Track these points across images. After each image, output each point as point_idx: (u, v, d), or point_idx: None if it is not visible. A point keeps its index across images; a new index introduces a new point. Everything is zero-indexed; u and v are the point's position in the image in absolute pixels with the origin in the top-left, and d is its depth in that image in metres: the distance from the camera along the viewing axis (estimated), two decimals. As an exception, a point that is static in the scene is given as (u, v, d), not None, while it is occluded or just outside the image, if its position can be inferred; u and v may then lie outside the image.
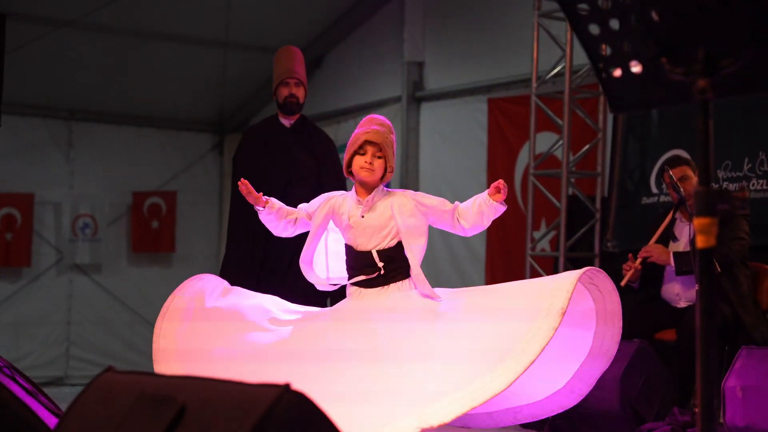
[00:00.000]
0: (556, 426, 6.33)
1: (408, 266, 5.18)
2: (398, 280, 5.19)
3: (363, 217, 5.21)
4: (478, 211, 5.13)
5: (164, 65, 11.38)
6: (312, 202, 5.45)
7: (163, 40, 11.06)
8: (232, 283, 7.16)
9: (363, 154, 5.21)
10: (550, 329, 4.50)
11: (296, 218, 5.42)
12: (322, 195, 5.48)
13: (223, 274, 7.22)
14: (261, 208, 5.39)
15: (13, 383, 3.73)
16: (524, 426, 6.62)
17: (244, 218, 7.08)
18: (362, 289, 5.20)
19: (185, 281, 5.38)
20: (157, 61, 11.30)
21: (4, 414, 3.54)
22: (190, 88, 11.93)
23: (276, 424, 2.39)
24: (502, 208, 5.13)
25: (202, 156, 12.64)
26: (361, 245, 5.21)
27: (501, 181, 5.10)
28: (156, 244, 12.22)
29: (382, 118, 5.42)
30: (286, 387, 2.43)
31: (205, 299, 5.35)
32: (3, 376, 3.79)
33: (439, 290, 5.18)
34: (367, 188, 5.26)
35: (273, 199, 5.43)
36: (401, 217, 5.15)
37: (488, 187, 5.06)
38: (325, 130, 7.60)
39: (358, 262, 5.22)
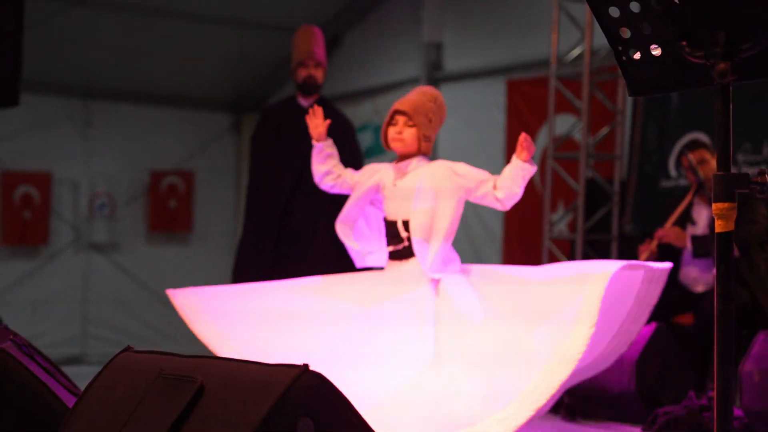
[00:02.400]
0: (572, 408, 6.33)
1: None
2: None
3: (395, 185, 5.07)
4: (509, 176, 4.84)
5: (182, 44, 11.38)
6: (361, 170, 5.31)
7: (181, 18, 11.05)
8: (249, 263, 7.17)
9: (394, 125, 5.09)
10: (585, 341, 4.38)
11: (340, 175, 5.27)
12: (372, 165, 5.33)
13: (240, 254, 7.26)
14: (317, 143, 5.28)
15: (31, 362, 3.74)
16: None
17: (262, 199, 7.09)
18: (392, 261, 5.05)
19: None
20: (175, 39, 11.29)
21: (23, 392, 3.56)
22: (207, 67, 11.92)
23: (294, 404, 2.39)
24: (532, 168, 4.82)
25: (220, 135, 12.64)
26: (391, 215, 5.05)
27: (523, 134, 4.79)
28: (173, 223, 12.24)
29: (427, 88, 5.28)
30: (305, 368, 2.44)
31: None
32: (21, 354, 3.81)
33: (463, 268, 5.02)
34: (403, 159, 5.12)
35: (331, 143, 5.31)
36: (427, 181, 4.98)
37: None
38: (343, 111, 7.59)
39: (388, 232, 5.07)
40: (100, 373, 2.85)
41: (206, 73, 12.06)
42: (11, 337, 3.97)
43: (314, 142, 5.31)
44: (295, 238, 6.98)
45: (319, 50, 7.12)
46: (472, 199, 5.06)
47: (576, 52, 8.78)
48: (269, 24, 11.24)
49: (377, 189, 5.17)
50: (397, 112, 5.10)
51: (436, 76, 10.67)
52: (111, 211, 11.84)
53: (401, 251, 5.02)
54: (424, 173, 5.03)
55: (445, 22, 10.66)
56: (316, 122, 5.29)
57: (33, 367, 3.70)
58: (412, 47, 10.85)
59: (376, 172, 5.21)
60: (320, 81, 7.12)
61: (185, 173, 12.22)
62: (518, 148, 4.78)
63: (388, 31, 11.19)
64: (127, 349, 2.89)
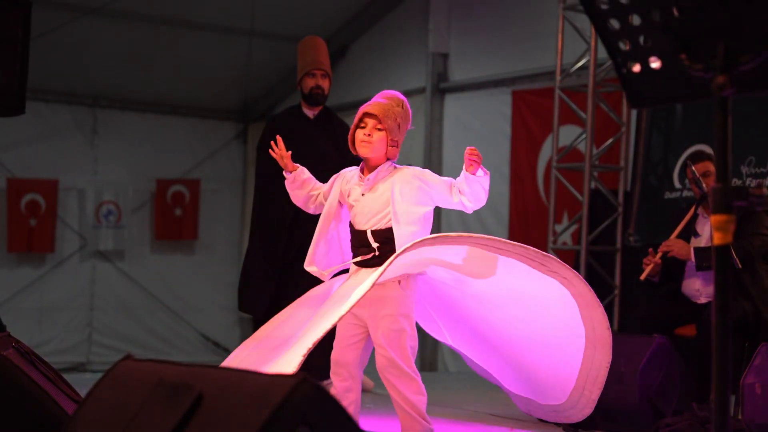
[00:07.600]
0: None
1: None
2: None
3: (363, 195, 5.04)
4: (469, 190, 4.95)
5: (189, 53, 11.41)
6: (328, 182, 5.26)
7: (189, 28, 11.08)
8: (255, 274, 7.18)
9: (363, 128, 5.03)
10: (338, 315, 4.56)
11: (317, 195, 5.24)
12: (336, 174, 5.26)
13: (247, 265, 7.26)
14: (288, 173, 5.21)
15: (32, 369, 3.76)
16: (541, 420, 6.63)
17: (269, 210, 7.10)
18: (360, 268, 5.04)
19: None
20: (182, 49, 11.32)
21: (23, 399, 3.57)
22: (214, 76, 11.95)
23: (292, 413, 2.40)
24: (484, 178, 4.92)
25: (226, 144, 12.67)
26: (359, 224, 5.03)
27: (468, 148, 4.87)
28: (179, 231, 12.26)
29: (392, 92, 5.23)
30: (303, 377, 2.45)
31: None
32: (23, 361, 3.82)
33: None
34: (371, 166, 5.07)
35: (303, 169, 5.25)
36: (401, 201, 4.97)
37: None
38: (348, 121, 7.60)
39: (355, 241, 5.07)
40: (99, 381, 2.86)
41: (213, 83, 12.09)
42: (14, 344, 3.99)
43: (285, 174, 5.25)
44: (303, 249, 6.99)
45: (326, 60, 7.15)
46: (442, 204, 5.12)
47: (581, 63, 8.79)
48: (277, 34, 11.27)
49: (340, 206, 5.19)
50: (366, 114, 5.05)
51: (441, 86, 10.69)
52: (117, 220, 11.86)
53: (369, 260, 5.01)
54: (392, 186, 5.01)
55: (451, 33, 10.68)
56: (280, 154, 5.21)
57: (34, 375, 3.71)
58: (418, 58, 10.87)
59: (337, 180, 5.21)
60: (327, 91, 7.14)
61: (191, 182, 12.24)
62: (467, 162, 4.86)
63: (394, 41, 11.22)
64: (128, 357, 2.90)
